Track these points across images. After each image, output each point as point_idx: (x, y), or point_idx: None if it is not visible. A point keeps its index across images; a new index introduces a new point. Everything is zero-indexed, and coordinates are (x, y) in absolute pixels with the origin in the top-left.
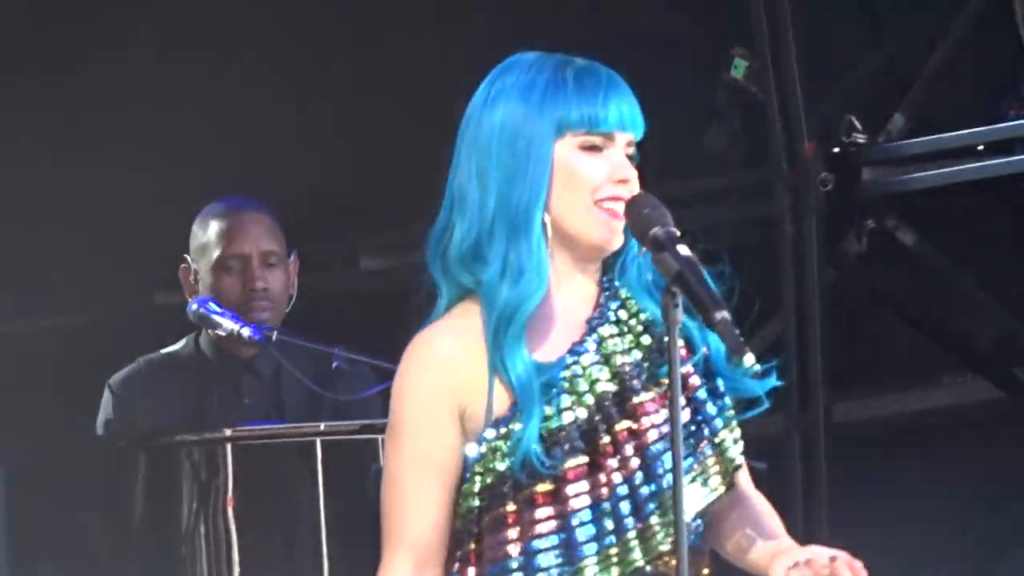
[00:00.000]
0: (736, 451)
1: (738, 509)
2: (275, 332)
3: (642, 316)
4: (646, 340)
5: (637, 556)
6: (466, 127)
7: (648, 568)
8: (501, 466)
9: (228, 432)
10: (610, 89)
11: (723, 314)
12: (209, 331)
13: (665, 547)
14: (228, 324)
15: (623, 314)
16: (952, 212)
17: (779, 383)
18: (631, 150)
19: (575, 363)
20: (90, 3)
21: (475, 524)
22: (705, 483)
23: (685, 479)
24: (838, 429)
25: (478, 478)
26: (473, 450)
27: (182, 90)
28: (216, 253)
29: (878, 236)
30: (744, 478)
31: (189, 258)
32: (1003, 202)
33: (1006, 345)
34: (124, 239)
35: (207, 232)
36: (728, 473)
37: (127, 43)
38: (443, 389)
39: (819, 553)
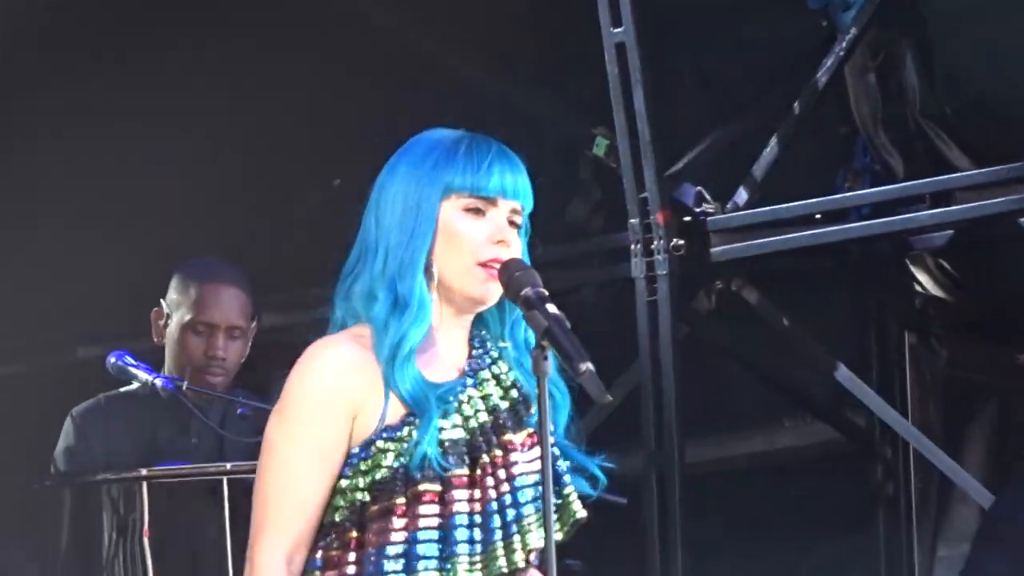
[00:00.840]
0: (578, 506)
1: None
2: (185, 384)
3: (511, 374)
4: (514, 394)
5: (501, 565)
6: (376, 189)
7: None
8: (391, 466)
9: (144, 471)
10: (496, 159)
11: (587, 365)
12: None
13: (522, 564)
14: (143, 375)
15: (495, 369)
16: (792, 274)
17: (610, 467)
18: (518, 218)
19: (463, 390)
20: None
21: (358, 515)
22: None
23: (530, 520)
24: (689, 468)
25: (361, 477)
26: (355, 451)
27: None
28: (189, 316)
29: (725, 295)
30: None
31: (164, 304)
32: (838, 265)
33: (840, 392)
34: (49, 295)
35: (187, 291)
36: (568, 523)
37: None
38: (342, 389)
39: None
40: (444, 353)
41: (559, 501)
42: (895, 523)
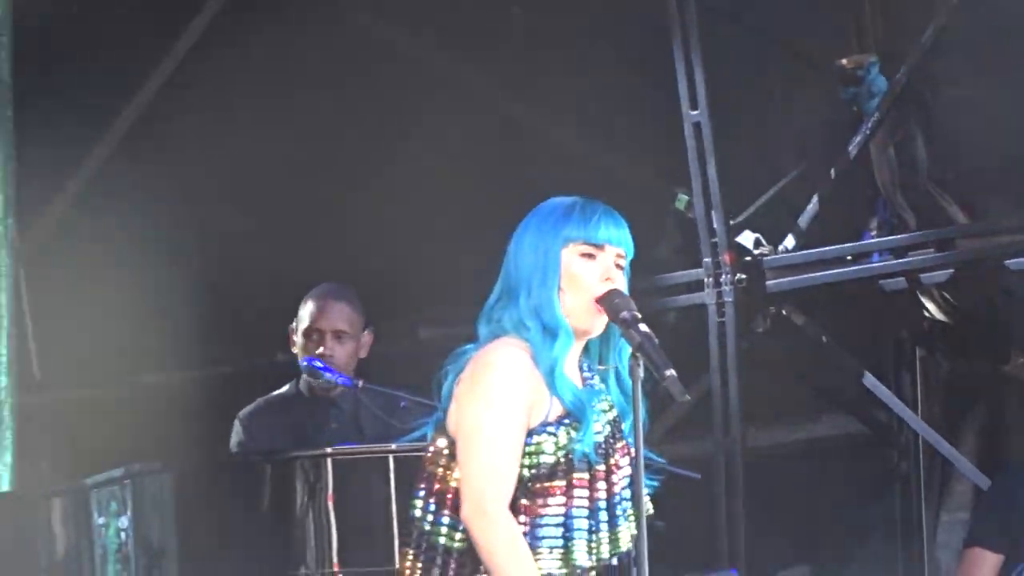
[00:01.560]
0: (650, 504)
1: None
2: (361, 382)
3: (608, 399)
4: (613, 412)
5: (620, 544)
6: (512, 243)
7: (613, 561)
8: (553, 455)
9: (329, 450)
10: (603, 215)
11: (671, 371)
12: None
13: (626, 547)
14: (328, 376)
15: (601, 398)
16: (830, 302)
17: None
18: (621, 261)
19: (599, 400)
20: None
21: (522, 487)
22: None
23: (628, 511)
24: (749, 452)
25: (526, 458)
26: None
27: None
28: (304, 325)
29: (777, 319)
30: None
31: (293, 324)
32: (866, 295)
33: (866, 394)
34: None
35: (304, 309)
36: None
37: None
38: (527, 385)
39: None
40: (569, 372)
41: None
42: (908, 496)
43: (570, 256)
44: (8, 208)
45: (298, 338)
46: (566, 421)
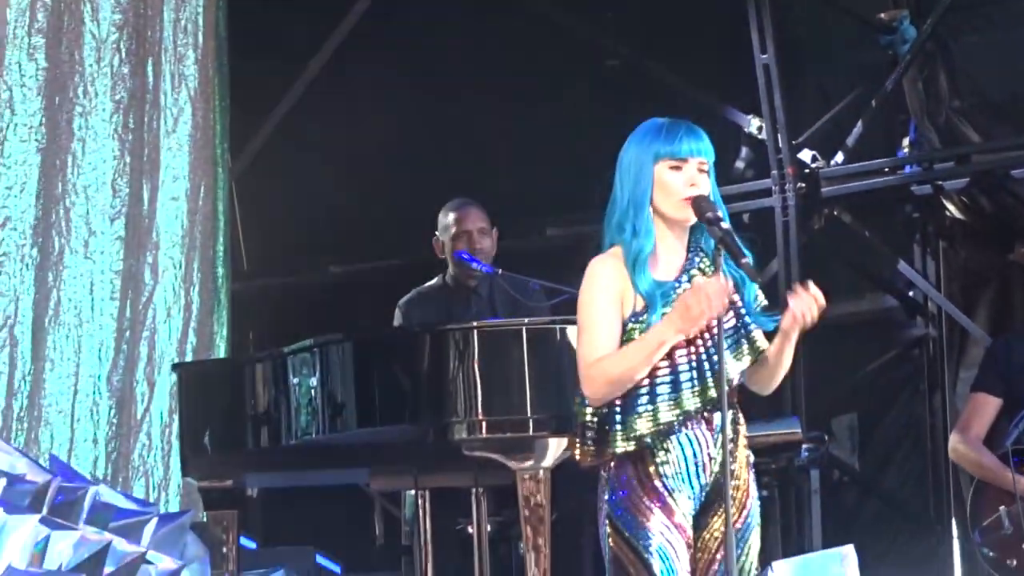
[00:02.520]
0: (762, 342)
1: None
2: (499, 269)
3: (710, 269)
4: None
5: (710, 393)
6: (618, 161)
7: (695, 408)
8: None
9: (475, 323)
10: (685, 132)
11: (747, 259)
12: (453, 269)
13: (710, 396)
14: (475, 266)
15: (702, 265)
16: (872, 204)
17: (776, 319)
18: (705, 167)
19: (679, 286)
20: None
21: None
22: (739, 360)
23: (730, 356)
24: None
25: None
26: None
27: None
28: (454, 230)
29: (830, 218)
30: None
31: (437, 234)
32: (900, 199)
33: (897, 276)
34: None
35: (448, 217)
36: (755, 352)
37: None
38: (616, 283)
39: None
40: (668, 258)
41: (748, 344)
42: (933, 357)
43: (661, 169)
44: (224, 135)
45: (447, 241)
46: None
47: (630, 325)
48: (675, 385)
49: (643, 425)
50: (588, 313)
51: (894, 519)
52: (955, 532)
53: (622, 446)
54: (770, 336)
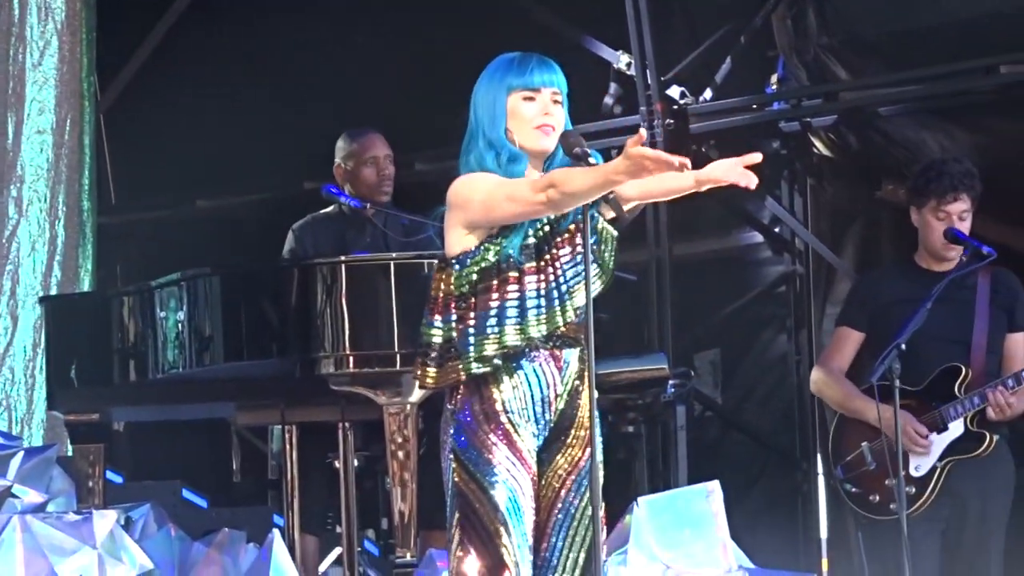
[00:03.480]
0: (612, 229)
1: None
2: (368, 204)
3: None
4: (551, 220)
5: (557, 320)
6: (473, 94)
7: (561, 329)
8: (490, 260)
9: (343, 257)
10: (537, 64)
11: (612, 195)
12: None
13: (569, 318)
14: (342, 200)
15: None
16: (740, 140)
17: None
18: (558, 97)
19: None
20: None
21: (473, 289)
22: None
23: (575, 288)
24: (675, 259)
25: (475, 265)
26: (474, 248)
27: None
28: (360, 155)
29: (699, 154)
30: None
31: (338, 160)
32: (769, 135)
33: (764, 212)
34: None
35: (352, 144)
36: (606, 274)
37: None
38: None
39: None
40: None
41: (600, 266)
42: (801, 292)
43: (515, 100)
44: (91, 67)
45: (353, 168)
46: (506, 231)
47: (485, 245)
48: (522, 310)
49: (491, 347)
50: (484, 192)
51: (759, 455)
52: (820, 468)
53: (475, 366)
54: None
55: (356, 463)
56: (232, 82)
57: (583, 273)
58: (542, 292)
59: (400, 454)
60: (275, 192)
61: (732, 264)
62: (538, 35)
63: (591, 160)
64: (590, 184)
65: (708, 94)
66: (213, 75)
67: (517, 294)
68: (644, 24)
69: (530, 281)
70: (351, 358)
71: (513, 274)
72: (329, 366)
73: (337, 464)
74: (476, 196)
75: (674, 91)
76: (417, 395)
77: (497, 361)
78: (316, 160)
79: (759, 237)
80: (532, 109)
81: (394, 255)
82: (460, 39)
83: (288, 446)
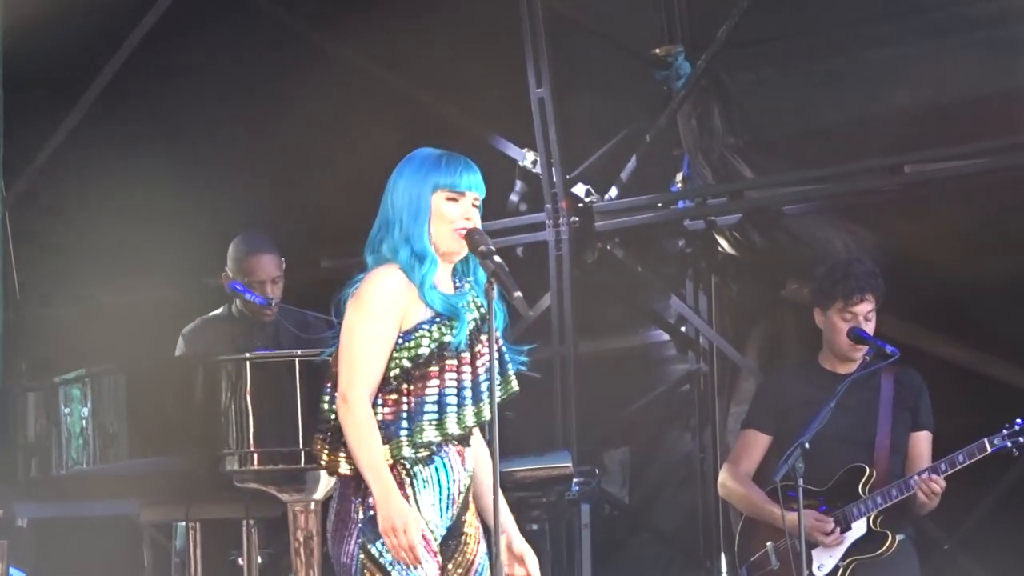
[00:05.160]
0: (515, 384)
1: (481, 455)
2: (273, 301)
3: (477, 299)
4: (477, 313)
5: (483, 414)
6: (389, 185)
7: (471, 425)
8: (428, 347)
9: (248, 354)
10: (464, 167)
11: (518, 293)
12: (236, 301)
13: (487, 417)
14: (248, 296)
15: (469, 296)
16: (645, 239)
17: (526, 358)
18: (478, 203)
19: (464, 299)
20: None
21: (404, 374)
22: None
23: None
24: (581, 357)
25: (406, 352)
26: (402, 336)
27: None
28: (248, 274)
29: (604, 252)
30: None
31: (227, 268)
32: (673, 233)
33: (669, 311)
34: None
35: (240, 260)
36: (508, 392)
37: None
38: (400, 298)
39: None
40: (442, 284)
41: (502, 380)
42: (705, 391)
43: (438, 200)
44: None
45: (238, 278)
46: (438, 320)
47: (418, 333)
48: (459, 399)
49: (430, 433)
50: (361, 336)
51: (664, 553)
52: (724, 568)
53: (408, 452)
54: (536, 368)
55: (260, 560)
56: (139, 175)
57: (499, 373)
58: (477, 383)
59: (304, 551)
60: (180, 289)
61: (638, 362)
62: (444, 131)
63: (496, 259)
64: (362, 469)
65: (614, 192)
66: (120, 168)
67: (455, 383)
68: (550, 122)
69: (465, 372)
70: (255, 455)
71: (451, 362)
72: (233, 463)
73: (241, 561)
74: (359, 317)
75: (579, 189)
76: (322, 491)
77: (425, 451)
78: (220, 255)
79: (664, 335)
80: (455, 211)
81: (299, 352)
82: (370, 134)
83: (192, 543)
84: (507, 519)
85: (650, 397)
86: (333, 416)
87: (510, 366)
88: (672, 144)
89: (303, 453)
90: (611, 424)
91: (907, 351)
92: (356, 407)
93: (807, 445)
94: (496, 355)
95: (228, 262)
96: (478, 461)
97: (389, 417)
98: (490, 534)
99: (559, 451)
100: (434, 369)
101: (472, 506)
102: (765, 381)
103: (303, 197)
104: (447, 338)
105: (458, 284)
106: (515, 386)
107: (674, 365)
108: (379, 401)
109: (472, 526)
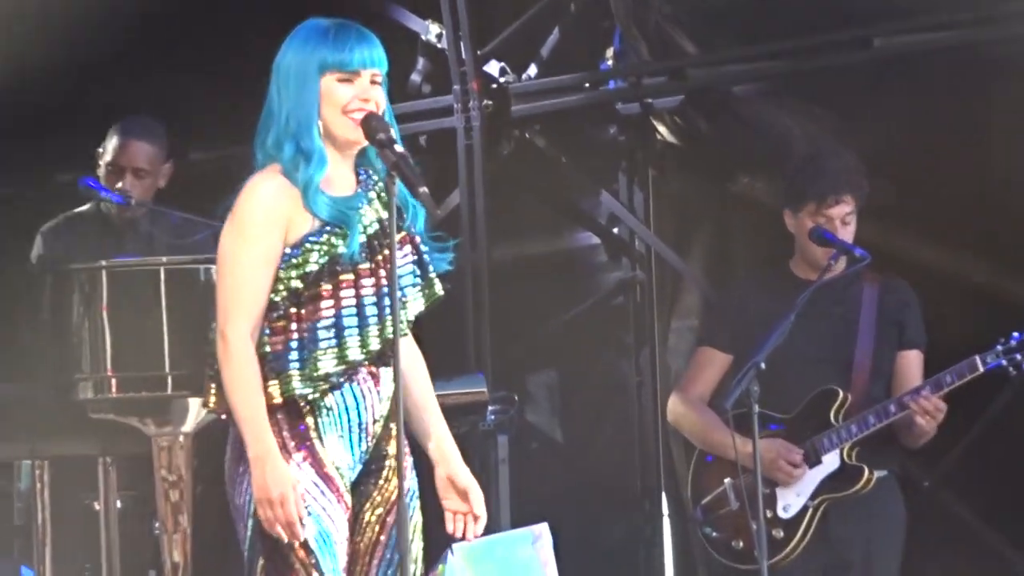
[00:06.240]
0: (439, 287)
1: (414, 370)
2: (133, 200)
3: (383, 196)
4: (383, 213)
5: (388, 332)
6: (274, 67)
7: (377, 349)
8: (318, 262)
9: (104, 263)
10: (356, 40)
11: (424, 188)
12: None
13: (388, 337)
14: (103, 195)
15: (372, 195)
16: (570, 126)
17: (451, 256)
18: (378, 78)
19: (361, 205)
20: None
21: (294, 296)
22: (415, 300)
23: (409, 298)
24: (495, 265)
25: (294, 270)
26: (288, 252)
27: None
28: (107, 159)
29: (521, 141)
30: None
31: (99, 155)
32: (603, 120)
33: (599, 210)
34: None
35: (109, 142)
36: (430, 297)
37: None
38: (278, 209)
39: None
40: (339, 180)
41: (424, 284)
42: (641, 305)
43: (329, 82)
44: None
45: (100, 169)
46: (328, 229)
47: (307, 246)
48: (361, 319)
49: (328, 364)
50: (236, 261)
51: (596, 494)
52: (666, 509)
53: (299, 387)
54: (443, 278)
55: (120, 504)
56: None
57: (410, 279)
58: (379, 298)
59: (173, 493)
60: (21, 187)
61: (563, 269)
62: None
63: (397, 148)
64: (239, 421)
65: (533, 71)
66: None
67: (353, 300)
68: None
69: (366, 285)
70: (113, 380)
71: (348, 277)
72: (87, 390)
73: (97, 506)
74: (232, 239)
75: (493, 67)
76: (192, 423)
77: (324, 384)
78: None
79: (594, 238)
80: (349, 92)
81: (165, 259)
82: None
83: (39, 485)
84: (449, 448)
85: (578, 311)
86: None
87: (431, 268)
88: (601, 14)
89: (170, 378)
90: (533, 343)
91: (884, 258)
92: (235, 346)
93: (762, 365)
94: (413, 256)
95: (103, 146)
96: (410, 372)
97: (278, 347)
98: (425, 463)
99: (471, 375)
100: (327, 287)
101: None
102: (724, 293)
103: (160, 81)
104: (340, 249)
105: (362, 179)
106: (439, 290)
107: (606, 273)
108: (267, 330)
109: (393, 458)
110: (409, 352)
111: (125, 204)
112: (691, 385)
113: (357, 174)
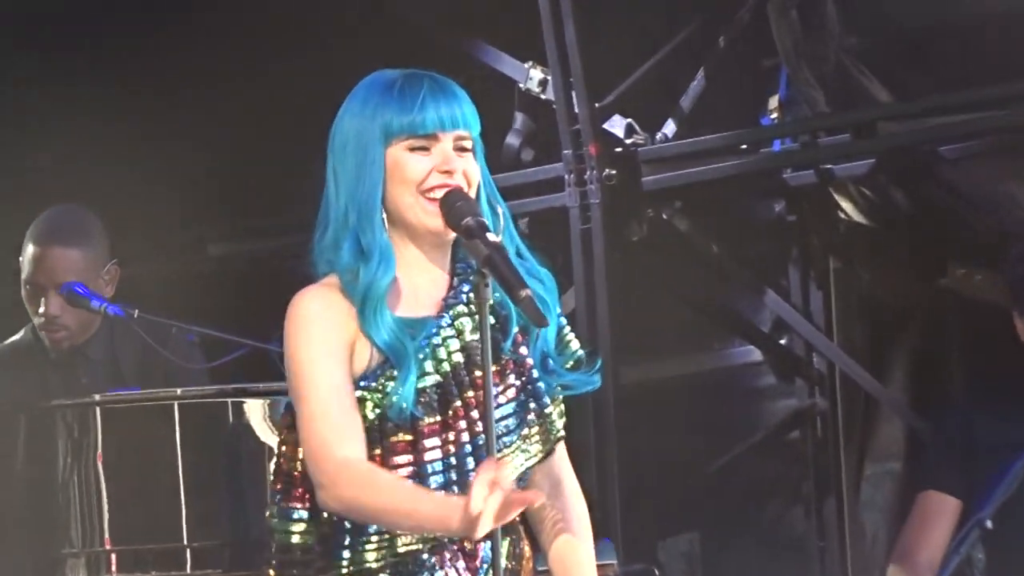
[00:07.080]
0: (560, 423)
1: (556, 503)
2: (136, 311)
3: (490, 300)
4: (490, 320)
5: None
6: (330, 138)
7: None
8: (369, 418)
9: (97, 397)
10: (429, 94)
11: (526, 291)
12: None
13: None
14: (94, 304)
15: (473, 296)
16: (720, 202)
17: (596, 382)
18: (466, 143)
19: (437, 332)
20: None
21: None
22: (526, 451)
23: (511, 449)
24: (620, 390)
25: None
26: None
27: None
28: (23, 277)
29: (657, 224)
30: (562, 456)
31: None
32: (766, 194)
33: (762, 315)
34: None
35: (24, 252)
36: (549, 441)
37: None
38: (336, 325)
39: None
40: (422, 291)
41: (540, 421)
42: (824, 443)
43: (398, 153)
44: None
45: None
46: (389, 370)
47: (359, 394)
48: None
49: (373, 555)
50: (305, 381)
51: None
52: None
53: None
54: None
55: None
56: None
57: (515, 421)
58: (450, 463)
59: None
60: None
61: (714, 396)
62: (412, 44)
63: (490, 237)
64: (391, 512)
65: (670, 128)
66: None
67: (409, 469)
68: (566, 16)
69: (432, 447)
70: (113, 557)
71: (405, 437)
72: (78, 570)
73: None
74: (296, 361)
75: (617, 124)
76: None
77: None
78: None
79: (756, 353)
80: (423, 164)
81: (179, 391)
82: (289, 57)
83: None
84: None
85: (735, 453)
86: (291, 538)
87: (546, 400)
88: (761, 50)
89: (188, 552)
90: (674, 496)
91: None
92: (355, 467)
93: (989, 523)
94: (521, 388)
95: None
96: (560, 536)
97: (326, 527)
98: None
99: (597, 541)
100: (376, 452)
101: None
102: (946, 424)
103: (180, 159)
104: (392, 398)
105: (456, 285)
106: (559, 430)
107: (773, 400)
108: (303, 514)
109: None
110: (564, 503)
111: (125, 316)
112: (916, 546)
113: (452, 279)
